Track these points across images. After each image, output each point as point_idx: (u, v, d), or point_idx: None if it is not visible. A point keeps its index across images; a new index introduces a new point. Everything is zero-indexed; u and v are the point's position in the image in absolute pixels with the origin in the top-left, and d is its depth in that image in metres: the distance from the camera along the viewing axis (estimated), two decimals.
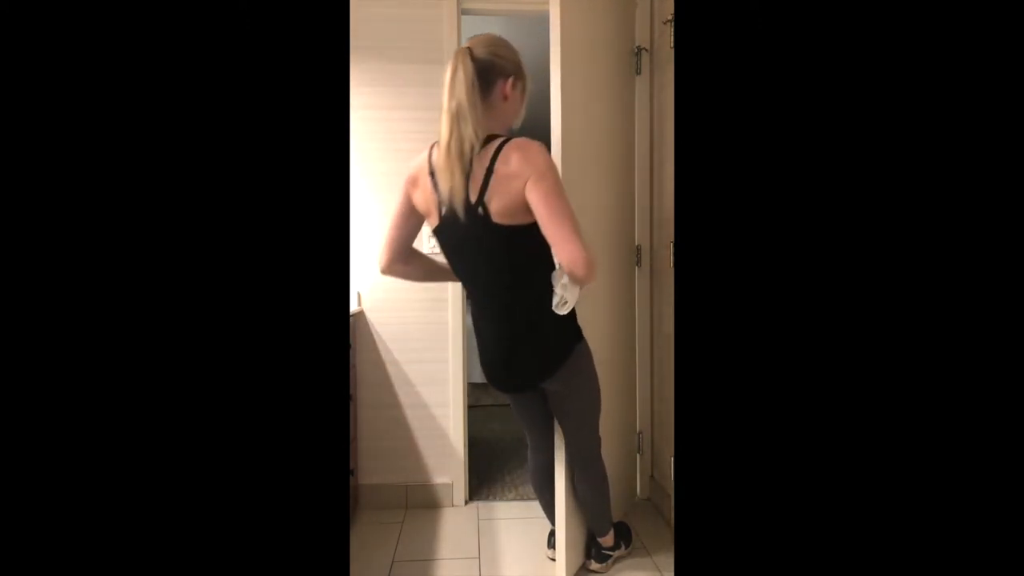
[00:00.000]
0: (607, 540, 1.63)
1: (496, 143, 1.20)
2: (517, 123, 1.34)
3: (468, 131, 1.17)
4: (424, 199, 1.29)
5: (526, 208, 1.18)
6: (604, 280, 1.76)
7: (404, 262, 1.39)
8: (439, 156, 1.22)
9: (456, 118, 1.18)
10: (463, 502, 2.10)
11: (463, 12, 2.07)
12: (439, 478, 2.10)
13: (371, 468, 2.08)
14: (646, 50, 2.05)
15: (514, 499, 2.14)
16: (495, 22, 2.73)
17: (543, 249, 1.24)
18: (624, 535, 1.71)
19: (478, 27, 2.74)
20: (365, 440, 2.08)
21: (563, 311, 1.26)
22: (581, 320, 1.60)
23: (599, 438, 1.51)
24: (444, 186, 1.21)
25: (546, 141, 1.51)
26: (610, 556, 1.64)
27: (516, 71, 1.29)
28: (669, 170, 1.85)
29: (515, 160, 1.17)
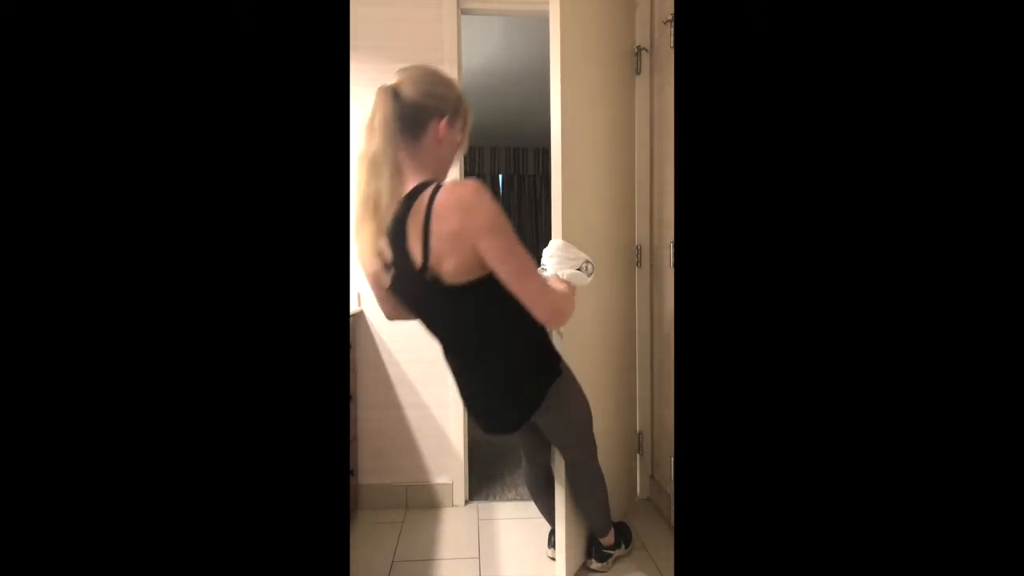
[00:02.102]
0: (607, 540, 1.63)
1: (427, 194, 1.05)
2: (457, 162, 1.22)
3: (384, 184, 1.04)
4: (367, 254, 1.12)
5: (480, 262, 1.06)
6: (604, 280, 1.76)
7: (404, 309, 1.26)
8: (356, 209, 1.07)
9: (372, 167, 1.04)
10: (463, 502, 2.10)
11: (463, 12, 2.07)
12: (439, 478, 2.10)
13: (371, 468, 2.08)
14: (646, 50, 2.05)
15: (514, 499, 2.14)
16: (495, 22, 2.73)
17: (504, 298, 1.11)
18: (624, 535, 1.72)
19: (478, 27, 2.74)
20: (365, 440, 2.08)
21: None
22: (581, 320, 1.60)
23: (594, 445, 1.49)
24: (357, 240, 1.09)
25: (546, 141, 1.50)
26: (610, 555, 1.64)
27: (453, 109, 1.14)
28: (669, 170, 1.85)
29: (456, 217, 1.02)
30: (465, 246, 1.04)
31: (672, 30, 1.81)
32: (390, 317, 1.31)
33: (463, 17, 2.09)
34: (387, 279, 1.16)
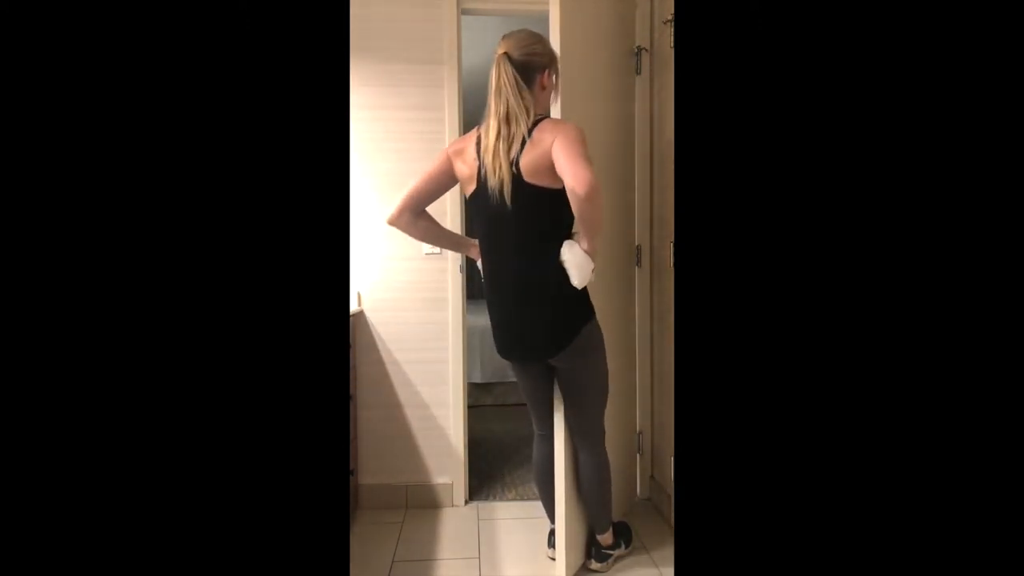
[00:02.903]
0: (607, 539, 1.63)
1: (535, 119, 1.33)
2: (555, 102, 1.47)
3: (520, 130, 1.30)
4: (467, 167, 1.39)
5: (553, 170, 1.26)
6: (604, 280, 1.76)
7: (414, 216, 1.46)
8: (486, 154, 1.33)
9: (504, 120, 1.31)
10: (463, 502, 2.10)
11: (463, 12, 2.07)
12: (439, 478, 2.10)
13: (371, 468, 2.08)
14: (646, 50, 2.05)
15: (514, 499, 2.14)
16: (495, 22, 2.73)
17: (565, 221, 1.34)
18: (624, 534, 1.72)
19: (478, 27, 2.74)
20: (365, 440, 2.08)
21: (577, 284, 1.33)
22: None
23: (603, 428, 1.53)
24: (492, 175, 1.33)
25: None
26: (610, 555, 1.64)
27: (551, 62, 1.40)
28: (669, 170, 1.85)
29: (547, 128, 1.30)
30: (546, 144, 1.28)
31: (672, 30, 1.81)
32: (392, 221, 1.45)
33: (463, 17, 2.09)
34: (473, 186, 1.39)
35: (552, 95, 1.45)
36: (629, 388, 2.05)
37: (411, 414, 2.09)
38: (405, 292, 2.05)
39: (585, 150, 1.26)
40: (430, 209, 1.50)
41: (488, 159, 1.33)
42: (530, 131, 1.31)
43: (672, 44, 1.81)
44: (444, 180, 1.45)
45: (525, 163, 1.30)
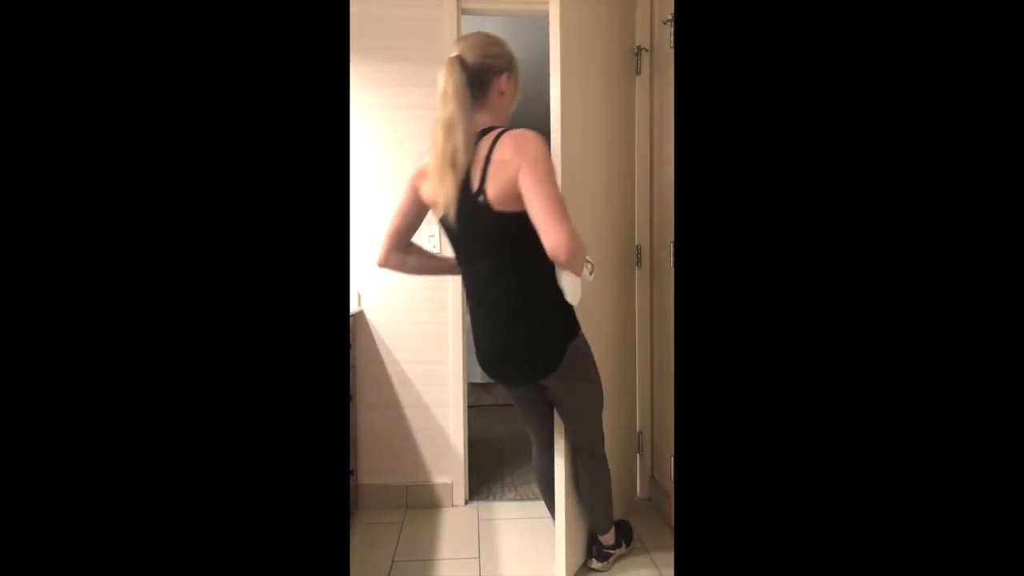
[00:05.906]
0: (608, 539, 1.63)
1: (494, 134, 1.24)
2: (513, 109, 1.38)
3: (460, 141, 1.21)
4: (432, 190, 1.31)
5: (520, 195, 1.20)
6: (604, 280, 1.76)
7: (402, 253, 1.42)
8: (434, 163, 1.25)
9: (448, 128, 1.22)
10: (463, 502, 2.10)
11: (463, 12, 2.07)
12: (439, 478, 2.10)
13: (371, 468, 2.08)
14: (646, 50, 2.05)
15: (514, 499, 2.14)
16: (495, 22, 2.73)
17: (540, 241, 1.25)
18: (625, 534, 1.72)
19: (478, 27, 2.74)
20: (365, 440, 2.08)
21: (573, 301, 1.29)
22: (581, 321, 1.60)
23: (602, 433, 1.52)
24: (439, 189, 1.25)
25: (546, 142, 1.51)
26: (611, 555, 1.64)
27: (508, 65, 1.32)
28: (669, 170, 1.85)
29: (509, 148, 1.20)
30: (511, 171, 1.18)
31: (672, 30, 1.81)
32: (381, 263, 1.42)
33: (463, 17, 2.09)
34: (438, 212, 1.30)
35: (512, 103, 1.36)
36: (629, 388, 2.05)
37: (411, 414, 2.09)
38: (405, 292, 2.05)
39: (557, 192, 1.17)
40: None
41: (436, 172, 1.24)
42: (492, 147, 1.21)
43: (672, 44, 1.81)
44: (417, 210, 1.39)
45: (492, 193, 1.21)
